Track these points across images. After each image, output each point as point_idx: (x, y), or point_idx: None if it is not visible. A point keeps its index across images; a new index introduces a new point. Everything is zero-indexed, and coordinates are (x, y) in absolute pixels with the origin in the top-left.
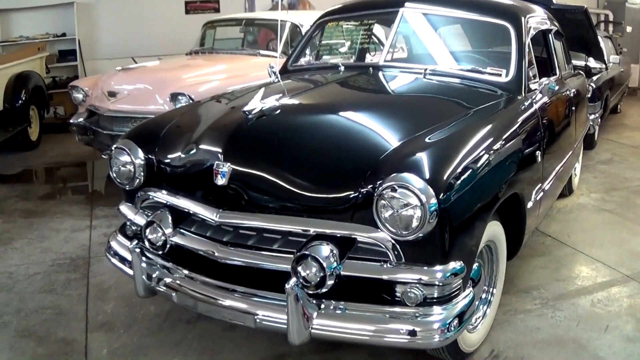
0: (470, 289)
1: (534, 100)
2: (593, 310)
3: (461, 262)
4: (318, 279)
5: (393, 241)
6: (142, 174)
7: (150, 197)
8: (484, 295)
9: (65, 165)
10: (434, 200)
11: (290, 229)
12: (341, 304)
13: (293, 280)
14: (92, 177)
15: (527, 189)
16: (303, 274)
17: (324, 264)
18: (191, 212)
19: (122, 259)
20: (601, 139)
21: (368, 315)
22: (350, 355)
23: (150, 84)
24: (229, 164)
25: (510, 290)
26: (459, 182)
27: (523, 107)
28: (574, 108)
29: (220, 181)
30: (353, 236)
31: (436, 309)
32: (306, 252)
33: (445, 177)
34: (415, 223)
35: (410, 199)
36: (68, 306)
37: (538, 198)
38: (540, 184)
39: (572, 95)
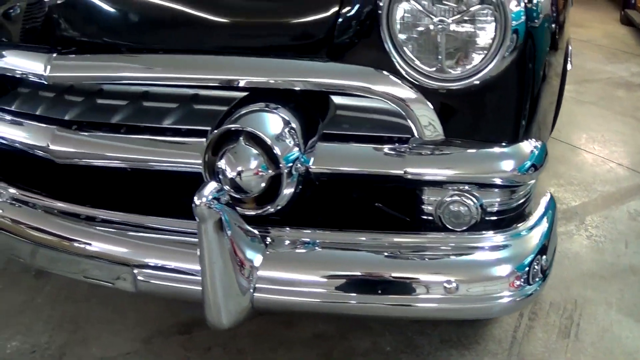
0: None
1: None
2: (636, 224)
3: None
4: (263, 184)
5: (417, 95)
6: None
7: None
8: None
9: None
10: (519, 7)
11: (200, 77)
12: (309, 235)
13: (211, 186)
14: None
15: None
16: (231, 173)
17: (277, 151)
18: (3, 68)
19: None
20: None
21: (365, 257)
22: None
23: None
24: None
25: None
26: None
27: None
28: None
29: None
30: (330, 90)
31: (503, 237)
32: (236, 127)
33: None
34: (482, 44)
35: None
36: None
37: None
38: None
39: None
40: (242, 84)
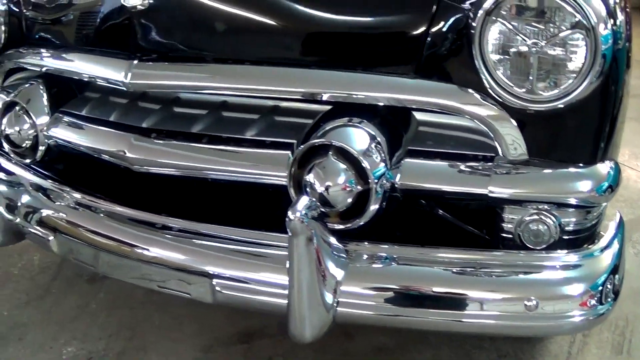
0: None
1: None
2: None
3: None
4: (350, 199)
5: (504, 114)
6: (1, 25)
7: (16, 63)
8: None
9: None
10: (607, 30)
11: (285, 89)
12: (387, 250)
13: (304, 201)
14: None
15: None
16: (320, 187)
17: (366, 167)
18: (80, 75)
19: None
20: None
21: (445, 274)
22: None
23: None
24: None
25: None
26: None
27: None
28: None
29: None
30: (417, 107)
31: (577, 257)
32: (326, 142)
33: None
34: (573, 67)
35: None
36: None
37: None
38: None
39: None
40: (326, 97)
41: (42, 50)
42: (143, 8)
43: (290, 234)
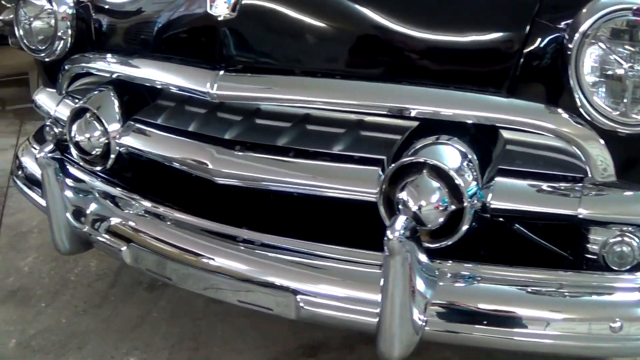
0: None
1: None
2: None
3: None
4: (442, 219)
5: (595, 136)
6: (69, 29)
7: (84, 69)
8: None
9: None
10: None
11: (375, 104)
12: (470, 269)
13: (402, 220)
14: (33, 88)
15: None
16: (414, 206)
17: (461, 186)
18: (159, 83)
19: (39, 184)
20: None
21: (530, 296)
22: None
23: None
24: None
25: None
26: None
27: None
28: None
29: (220, 9)
30: (508, 126)
31: None
32: (422, 160)
33: None
34: None
35: None
36: None
37: None
38: None
39: None
40: (416, 113)
41: (114, 56)
42: (231, 17)
43: (387, 253)
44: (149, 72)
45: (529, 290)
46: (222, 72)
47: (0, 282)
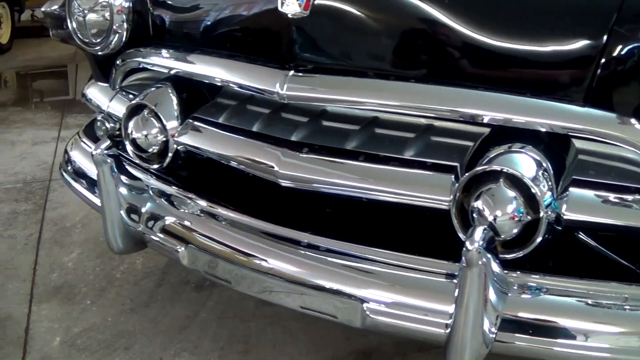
0: None
1: None
2: None
3: None
4: (516, 229)
5: None
6: (124, 23)
7: (140, 64)
8: None
9: (38, 70)
10: None
11: (448, 110)
12: (537, 280)
13: (480, 231)
14: (72, 81)
15: None
16: (490, 215)
17: (538, 196)
18: (224, 81)
19: (88, 180)
20: None
21: (600, 309)
22: None
23: None
24: None
25: None
26: None
27: None
28: None
29: (292, 7)
30: (585, 135)
31: None
32: (499, 168)
33: None
34: None
35: None
36: (7, 255)
37: None
38: None
39: None
40: (489, 119)
41: (173, 52)
42: (304, 16)
43: (464, 264)
44: (214, 70)
45: (602, 304)
46: (292, 72)
47: (44, 277)
